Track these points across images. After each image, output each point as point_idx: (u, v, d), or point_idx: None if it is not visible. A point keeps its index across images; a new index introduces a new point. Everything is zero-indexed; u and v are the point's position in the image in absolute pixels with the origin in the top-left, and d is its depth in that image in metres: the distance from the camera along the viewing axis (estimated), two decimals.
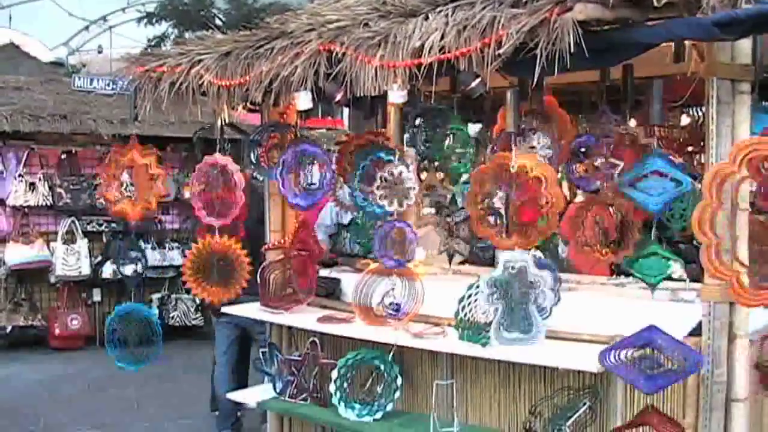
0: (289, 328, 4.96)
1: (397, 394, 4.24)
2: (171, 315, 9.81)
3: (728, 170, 2.78)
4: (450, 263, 4.77)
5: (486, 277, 3.73)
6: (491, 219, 3.91)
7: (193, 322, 9.90)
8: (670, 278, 3.67)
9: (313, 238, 4.79)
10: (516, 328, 3.66)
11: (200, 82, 4.23)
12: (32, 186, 9.33)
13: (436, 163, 4.71)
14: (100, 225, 9.67)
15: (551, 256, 4.56)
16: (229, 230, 4.76)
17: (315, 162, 4.47)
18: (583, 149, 4.49)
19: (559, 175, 4.80)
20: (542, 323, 3.65)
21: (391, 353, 4.21)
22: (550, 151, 4.31)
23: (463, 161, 4.51)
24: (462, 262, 4.92)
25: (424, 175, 4.69)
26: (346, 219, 6.11)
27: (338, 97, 3.80)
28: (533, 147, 4.32)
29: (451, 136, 4.54)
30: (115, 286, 9.60)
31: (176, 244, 10.13)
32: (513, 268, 3.69)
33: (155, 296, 9.83)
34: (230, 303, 4.95)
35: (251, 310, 4.83)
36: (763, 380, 3.57)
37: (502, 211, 3.88)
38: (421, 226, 4.94)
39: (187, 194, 9.93)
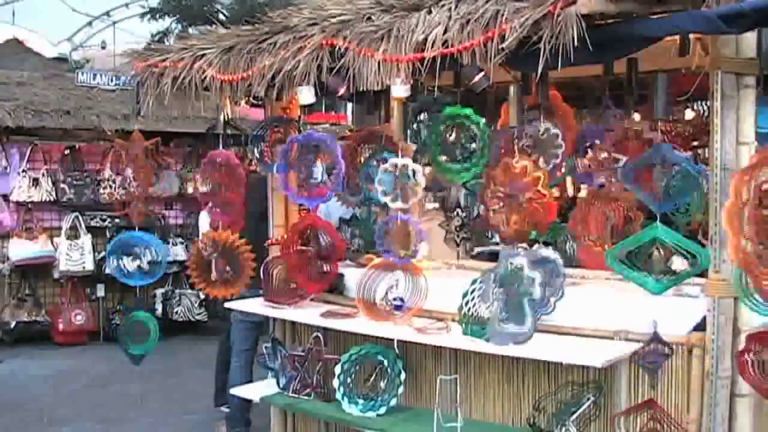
0: (293, 323, 4.96)
1: (401, 389, 4.23)
2: (175, 310, 9.80)
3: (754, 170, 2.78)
4: (459, 256, 4.76)
5: (485, 272, 3.73)
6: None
7: (197, 318, 9.89)
8: (672, 272, 3.65)
9: (334, 230, 4.73)
10: (512, 322, 3.63)
11: (203, 77, 4.23)
12: (36, 181, 9.34)
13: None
14: (104, 220, 9.67)
15: (560, 252, 4.54)
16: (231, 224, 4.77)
17: (319, 153, 4.43)
18: (587, 143, 4.48)
19: (563, 170, 4.80)
20: (532, 322, 3.61)
21: (395, 348, 4.21)
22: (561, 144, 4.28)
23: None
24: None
25: (427, 170, 4.68)
26: (342, 213, 6.03)
27: (341, 91, 3.79)
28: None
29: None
30: (118, 282, 9.57)
31: (180, 240, 10.13)
32: (511, 263, 3.67)
33: (159, 291, 9.82)
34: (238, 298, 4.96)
35: (257, 305, 4.83)
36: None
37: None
38: (424, 221, 4.92)
39: (190, 189, 9.95)
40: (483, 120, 3.97)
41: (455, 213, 4.74)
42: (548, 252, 3.78)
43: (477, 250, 5.04)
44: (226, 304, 5.18)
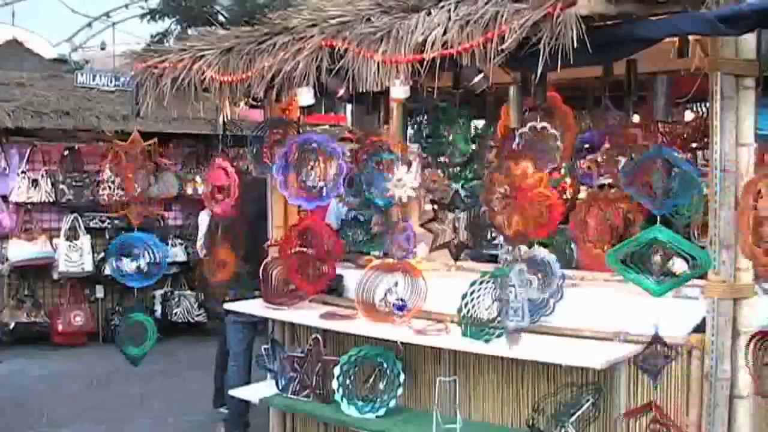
0: (292, 324, 4.96)
1: (400, 390, 4.23)
2: (174, 312, 9.79)
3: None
4: (456, 258, 4.75)
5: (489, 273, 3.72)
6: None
7: (196, 319, 9.88)
8: (672, 274, 3.65)
9: (327, 231, 4.71)
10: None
11: (202, 78, 4.22)
12: (35, 182, 9.33)
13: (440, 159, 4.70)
14: (103, 221, 9.65)
15: (559, 254, 4.54)
16: (230, 227, 4.77)
17: (318, 158, 4.42)
18: (586, 145, 4.48)
19: (563, 171, 4.80)
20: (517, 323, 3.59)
21: (395, 350, 4.21)
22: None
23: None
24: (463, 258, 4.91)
25: (427, 171, 4.68)
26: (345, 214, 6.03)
27: (340, 92, 3.79)
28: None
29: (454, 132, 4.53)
30: (118, 283, 9.56)
31: (179, 241, 10.12)
32: (509, 265, 3.66)
33: (158, 293, 9.81)
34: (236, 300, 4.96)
35: (256, 307, 4.83)
36: None
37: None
38: (423, 223, 4.92)
39: (189, 190, 9.94)
40: (483, 121, 3.97)
41: (453, 214, 4.73)
42: (545, 253, 3.77)
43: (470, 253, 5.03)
44: (225, 305, 5.18)
